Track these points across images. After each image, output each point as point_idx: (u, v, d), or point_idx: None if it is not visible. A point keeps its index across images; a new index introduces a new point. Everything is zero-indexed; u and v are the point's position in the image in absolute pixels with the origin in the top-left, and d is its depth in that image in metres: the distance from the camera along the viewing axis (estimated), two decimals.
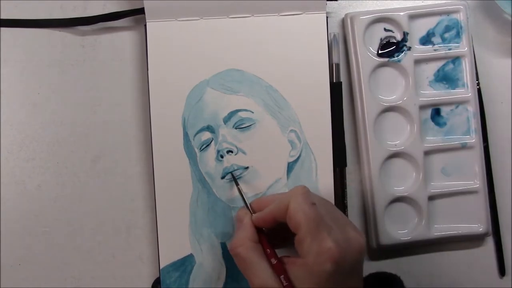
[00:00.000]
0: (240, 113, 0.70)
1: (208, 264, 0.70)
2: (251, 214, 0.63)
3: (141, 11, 0.70)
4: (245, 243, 0.60)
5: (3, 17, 0.73)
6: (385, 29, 0.73)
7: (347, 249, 0.56)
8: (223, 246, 0.70)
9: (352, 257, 0.56)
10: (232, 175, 0.69)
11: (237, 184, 0.68)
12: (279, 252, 0.60)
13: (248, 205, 0.64)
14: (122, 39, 0.73)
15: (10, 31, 0.73)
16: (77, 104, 0.73)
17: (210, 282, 0.70)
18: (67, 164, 0.73)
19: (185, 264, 0.69)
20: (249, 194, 0.69)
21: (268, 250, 0.60)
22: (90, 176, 0.73)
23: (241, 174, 0.69)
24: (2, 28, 0.73)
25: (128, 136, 0.73)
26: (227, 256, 0.70)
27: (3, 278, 0.72)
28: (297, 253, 0.58)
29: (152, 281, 0.72)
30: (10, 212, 0.72)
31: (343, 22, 0.74)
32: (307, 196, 0.59)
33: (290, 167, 0.70)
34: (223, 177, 0.69)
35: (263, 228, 0.62)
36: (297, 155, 0.70)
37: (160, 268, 0.69)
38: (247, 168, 0.69)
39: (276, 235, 0.62)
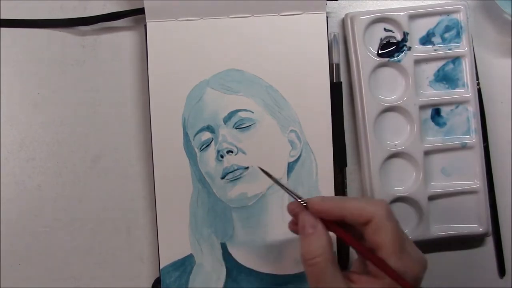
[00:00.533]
0: (240, 113, 0.70)
1: (208, 264, 0.70)
2: (309, 211, 0.58)
3: (141, 11, 0.70)
4: (324, 253, 0.56)
5: (3, 17, 0.73)
6: (385, 29, 0.73)
7: (422, 269, 0.56)
8: (223, 246, 0.70)
9: (422, 275, 0.57)
10: (264, 171, 0.63)
11: (284, 187, 0.61)
12: None
13: (300, 201, 0.59)
14: (122, 39, 0.73)
15: (10, 31, 0.73)
16: (77, 104, 0.73)
17: (210, 282, 0.70)
18: (67, 164, 0.73)
19: (185, 264, 0.69)
20: (249, 194, 0.69)
21: (359, 247, 0.57)
22: (90, 176, 0.73)
23: (241, 174, 0.69)
24: (2, 28, 0.73)
25: (128, 136, 0.73)
26: (227, 257, 0.70)
27: (3, 278, 0.72)
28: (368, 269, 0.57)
29: (152, 281, 0.72)
30: (10, 212, 0.72)
31: (343, 22, 0.74)
32: (392, 214, 0.57)
33: (291, 167, 0.70)
34: (223, 177, 0.69)
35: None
36: (297, 155, 0.70)
37: (160, 268, 0.69)
38: (247, 168, 0.69)
39: None
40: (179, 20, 0.70)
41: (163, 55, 0.70)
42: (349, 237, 0.57)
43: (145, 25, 0.70)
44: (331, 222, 0.57)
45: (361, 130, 0.72)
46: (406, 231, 0.72)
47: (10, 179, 0.72)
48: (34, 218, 0.72)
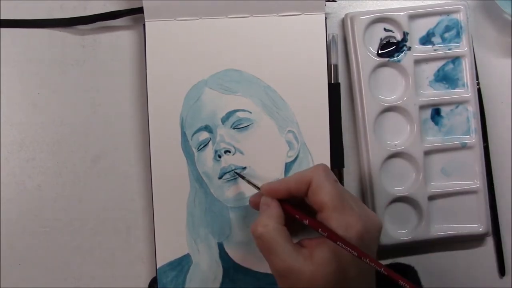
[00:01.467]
0: (238, 113, 0.69)
1: (204, 264, 0.70)
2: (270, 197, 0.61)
3: (140, 10, 0.70)
4: (269, 224, 0.58)
5: (3, 17, 0.73)
6: (385, 29, 0.73)
7: (369, 225, 0.58)
8: (220, 246, 0.70)
9: (372, 233, 0.58)
10: (236, 172, 0.69)
11: (243, 178, 0.67)
12: None
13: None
14: (121, 39, 0.73)
15: (10, 31, 0.73)
16: (77, 104, 0.73)
17: (207, 282, 0.70)
18: (67, 164, 0.73)
19: (181, 264, 0.69)
20: (246, 194, 0.69)
21: (298, 215, 0.59)
22: (90, 176, 0.73)
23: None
24: (2, 28, 0.73)
25: (128, 136, 0.73)
26: (224, 256, 0.70)
27: (3, 278, 0.72)
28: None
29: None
30: (10, 212, 0.72)
31: (343, 22, 0.74)
32: (330, 173, 0.60)
33: (288, 167, 0.70)
34: (220, 177, 0.69)
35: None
36: (295, 156, 0.70)
37: (157, 267, 0.69)
38: (244, 168, 0.69)
39: None
40: (178, 20, 0.70)
41: (161, 54, 0.70)
42: (298, 211, 0.60)
43: (144, 25, 0.70)
44: (283, 202, 0.60)
45: (361, 130, 0.72)
46: (405, 231, 0.72)
47: (10, 179, 0.73)
48: (34, 218, 0.73)
